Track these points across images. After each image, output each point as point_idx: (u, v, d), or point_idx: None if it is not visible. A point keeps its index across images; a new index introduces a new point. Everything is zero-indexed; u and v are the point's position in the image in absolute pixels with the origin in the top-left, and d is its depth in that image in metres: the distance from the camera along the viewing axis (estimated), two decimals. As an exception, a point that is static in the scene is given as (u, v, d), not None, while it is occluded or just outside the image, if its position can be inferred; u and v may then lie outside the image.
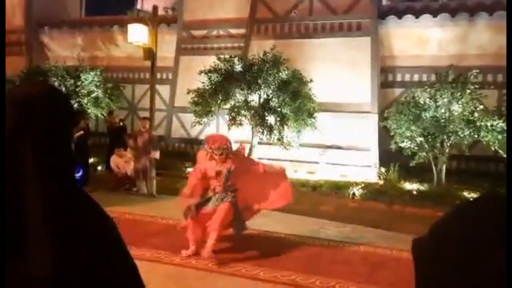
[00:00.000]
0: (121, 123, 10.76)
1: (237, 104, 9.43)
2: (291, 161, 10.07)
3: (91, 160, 10.46)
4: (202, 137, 12.17)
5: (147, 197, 8.45)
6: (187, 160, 10.65)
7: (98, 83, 11.57)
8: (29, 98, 0.96)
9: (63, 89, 11.29)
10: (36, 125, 0.94)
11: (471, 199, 0.66)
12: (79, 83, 11.41)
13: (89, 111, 11.26)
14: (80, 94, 11.33)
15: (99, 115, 11.59)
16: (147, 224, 6.56)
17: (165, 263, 4.93)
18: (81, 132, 9.41)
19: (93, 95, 11.45)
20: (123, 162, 9.01)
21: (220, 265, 4.85)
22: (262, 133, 9.37)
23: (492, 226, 0.59)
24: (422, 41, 10.46)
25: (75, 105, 11.17)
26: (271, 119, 9.31)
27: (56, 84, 11.21)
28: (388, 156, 9.41)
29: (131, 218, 6.79)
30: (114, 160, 9.11)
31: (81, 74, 11.51)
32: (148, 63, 11.14)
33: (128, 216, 6.88)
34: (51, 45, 14.57)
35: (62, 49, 14.32)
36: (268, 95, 9.36)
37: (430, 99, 8.41)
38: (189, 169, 10.12)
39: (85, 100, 11.35)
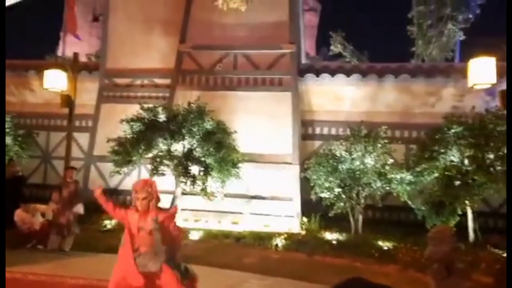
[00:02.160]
0: (20, 173, 9.92)
1: (160, 153, 9.24)
2: (215, 211, 9.95)
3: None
4: (121, 187, 11.66)
5: (57, 253, 7.77)
6: (105, 213, 10.06)
7: (7, 130, 10.74)
8: None
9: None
10: None
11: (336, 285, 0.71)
12: (-15, 129, 10.50)
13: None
14: (-15, 141, 10.39)
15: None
16: (54, 285, 5.98)
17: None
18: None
19: (1, 142, 10.56)
20: (30, 217, 8.26)
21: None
22: (186, 183, 9.20)
23: None
24: (337, 98, 11.23)
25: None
26: (194, 169, 9.21)
27: (-42, 130, 10.21)
28: (310, 206, 9.67)
29: (35, 279, 6.16)
30: (20, 215, 8.31)
31: (-12, 120, 10.62)
32: (66, 110, 10.66)
33: (32, 277, 6.24)
34: (-45, 87, 13.41)
35: (-32, 92, 13.23)
36: (192, 145, 9.31)
37: (346, 152, 8.92)
38: (107, 222, 9.55)
39: (-9, 148, 10.40)
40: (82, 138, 12.25)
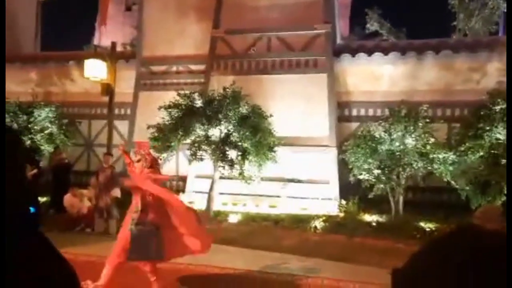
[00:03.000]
0: (66, 160, 10.35)
1: (198, 139, 9.37)
2: (252, 195, 10.04)
3: (43, 199, 9.97)
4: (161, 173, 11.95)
5: (103, 236, 8.10)
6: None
7: (52, 119, 11.21)
8: None
9: (15, 125, 10.84)
10: None
11: (441, 235, 0.71)
12: (32, 119, 11.00)
13: (42, 147, 10.81)
14: (33, 131, 10.90)
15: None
16: (104, 266, 6.25)
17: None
18: (35, 170, 9.03)
19: (47, 131, 11.04)
20: (78, 201, 8.64)
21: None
22: (223, 167, 9.31)
23: (454, 263, 0.61)
24: (375, 77, 10.96)
25: (28, 142, 10.72)
26: (232, 153, 9.29)
27: (8, 120, 10.74)
28: (348, 188, 9.58)
29: (86, 260, 6.44)
30: (68, 200, 8.71)
31: (34, 110, 11.12)
32: (105, 99, 10.96)
33: (83, 258, 6.53)
34: (2, 80, 14.06)
35: (15, 84, 13.82)
36: (228, 130, 9.37)
37: (385, 132, 8.73)
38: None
39: (38, 137, 10.91)
40: (122, 126, 12.59)
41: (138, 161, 4.60)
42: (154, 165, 4.77)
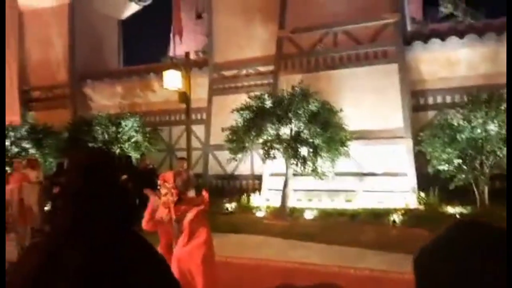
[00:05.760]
0: (151, 166, 11.11)
1: (270, 138, 9.62)
2: (327, 190, 10.09)
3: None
4: (237, 173, 12.44)
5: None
6: (225, 196, 10.88)
7: (137, 128, 12.18)
8: (90, 165, 1.28)
9: (106, 136, 11.96)
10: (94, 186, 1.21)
11: (454, 225, 0.80)
12: (120, 129, 12.05)
13: (130, 155, 11.80)
14: (121, 140, 11.95)
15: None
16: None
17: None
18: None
19: (133, 139, 12.04)
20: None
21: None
22: (296, 164, 9.47)
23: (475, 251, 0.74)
24: (451, 63, 10.43)
25: (117, 150, 11.77)
26: (303, 150, 9.40)
27: (100, 131, 11.89)
28: (426, 180, 9.26)
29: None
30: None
31: (121, 121, 12.17)
32: (183, 106, 11.66)
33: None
34: (93, 96, 15.53)
35: (104, 99, 15.23)
36: (299, 128, 9.51)
37: (464, 120, 8.31)
38: (227, 205, 10.35)
39: (126, 145, 11.93)
40: (199, 130, 13.30)
41: (165, 195, 4.31)
42: (182, 196, 4.34)
